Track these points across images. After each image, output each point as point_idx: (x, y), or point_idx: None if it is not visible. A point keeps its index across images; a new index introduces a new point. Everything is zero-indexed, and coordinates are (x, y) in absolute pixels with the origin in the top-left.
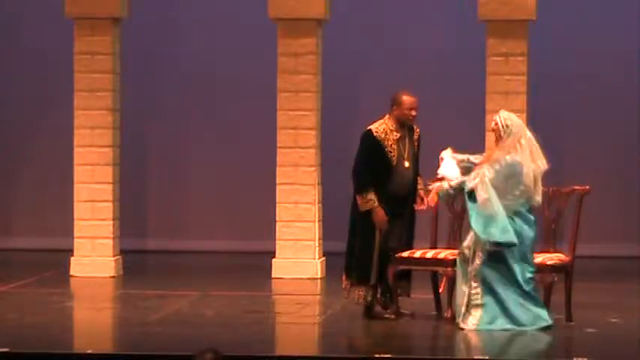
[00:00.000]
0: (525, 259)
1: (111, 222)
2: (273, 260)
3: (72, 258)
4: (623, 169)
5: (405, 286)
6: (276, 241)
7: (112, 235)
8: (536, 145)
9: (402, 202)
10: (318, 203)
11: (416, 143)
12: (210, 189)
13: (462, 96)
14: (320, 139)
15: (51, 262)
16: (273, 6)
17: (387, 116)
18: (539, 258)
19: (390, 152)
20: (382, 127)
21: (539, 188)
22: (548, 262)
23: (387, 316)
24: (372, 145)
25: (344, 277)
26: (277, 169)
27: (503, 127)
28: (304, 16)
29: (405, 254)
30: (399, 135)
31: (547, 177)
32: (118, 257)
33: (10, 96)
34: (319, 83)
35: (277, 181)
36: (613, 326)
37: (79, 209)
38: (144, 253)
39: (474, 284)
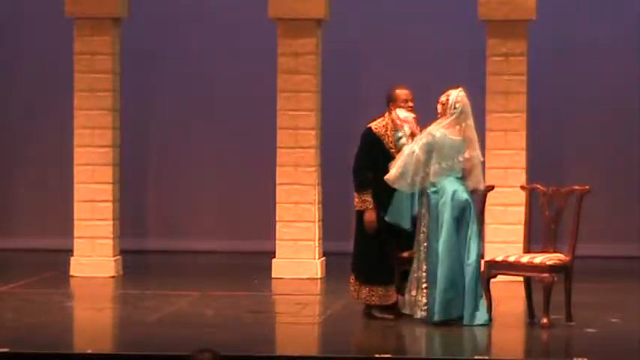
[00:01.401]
0: (461, 246)
1: (111, 222)
2: (273, 260)
3: (72, 258)
4: (623, 169)
5: (404, 286)
6: (276, 241)
7: (112, 235)
8: (475, 136)
9: None
10: (318, 203)
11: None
12: (210, 189)
13: None
14: (320, 139)
15: (51, 262)
16: (273, 6)
17: (386, 114)
18: (539, 258)
19: (391, 148)
20: (382, 124)
21: (476, 177)
22: (548, 262)
23: (386, 316)
24: (371, 142)
25: (352, 277)
26: (277, 169)
27: (452, 105)
28: (304, 16)
29: (406, 254)
30: None
31: (547, 177)
32: (118, 257)
33: (10, 96)
34: (319, 83)
35: (277, 181)
36: (613, 326)
37: (79, 209)
38: (144, 253)
39: (423, 267)
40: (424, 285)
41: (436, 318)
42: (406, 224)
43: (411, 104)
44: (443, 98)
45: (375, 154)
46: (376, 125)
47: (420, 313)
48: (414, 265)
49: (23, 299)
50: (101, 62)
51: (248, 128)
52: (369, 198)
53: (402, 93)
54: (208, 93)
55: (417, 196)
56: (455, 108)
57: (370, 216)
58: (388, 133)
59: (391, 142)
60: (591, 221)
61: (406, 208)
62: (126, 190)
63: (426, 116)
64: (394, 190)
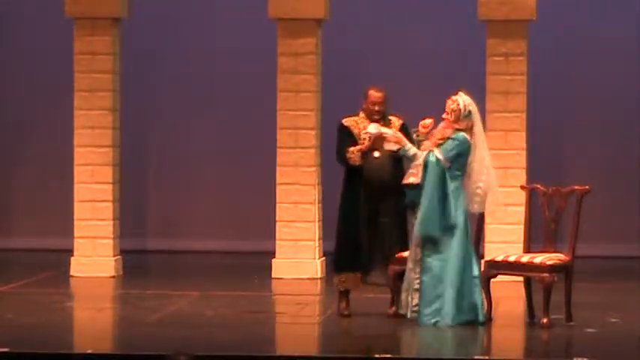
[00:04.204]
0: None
1: (111, 222)
2: (273, 260)
3: (72, 258)
4: (623, 169)
5: (399, 286)
6: (276, 241)
7: (112, 235)
8: (484, 137)
9: (381, 197)
10: (318, 203)
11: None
12: (210, 189)
13: None
14: (320, 139)
15: (51, 262)
16: (273, 6)
17: (359, 111)
18: (539, 258)
19: (360, 139)
20: (353, 119)
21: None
22: (548, 262)
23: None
24: (342, 132)
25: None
26: (277, 169)
27: (464, 109)
28: (304, 16)
29: (405, 254)
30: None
31: (547, 177)
32: (118, 257)
33: (9, 96)
34: (319, 83)
35: (277, 181)
36: (613, 326)
37: (79, 209)
38: (144, 253)
39: (417, 269)
40: (416, 286)
41: (449, 322)
42: (436, 233)
43: (377, 108)
44: (453, 105)
45: (348, 143)
46: (347, 119)
47: (410, 314)
48: (409, 266)
49: (23, 299)
50: (101, 62)
51: (248, 128)
52: (352, 149)
53: (372, 95)
54: (208, 93)
55: (452, 202)
56: (470, 112)
57: (361, 147)
58: (358, 124)
59: (358, 134)
60: (591, 221)
61: (437, 216)
62: (126, 190)
63: (425, 116)
64: (366, 178)
